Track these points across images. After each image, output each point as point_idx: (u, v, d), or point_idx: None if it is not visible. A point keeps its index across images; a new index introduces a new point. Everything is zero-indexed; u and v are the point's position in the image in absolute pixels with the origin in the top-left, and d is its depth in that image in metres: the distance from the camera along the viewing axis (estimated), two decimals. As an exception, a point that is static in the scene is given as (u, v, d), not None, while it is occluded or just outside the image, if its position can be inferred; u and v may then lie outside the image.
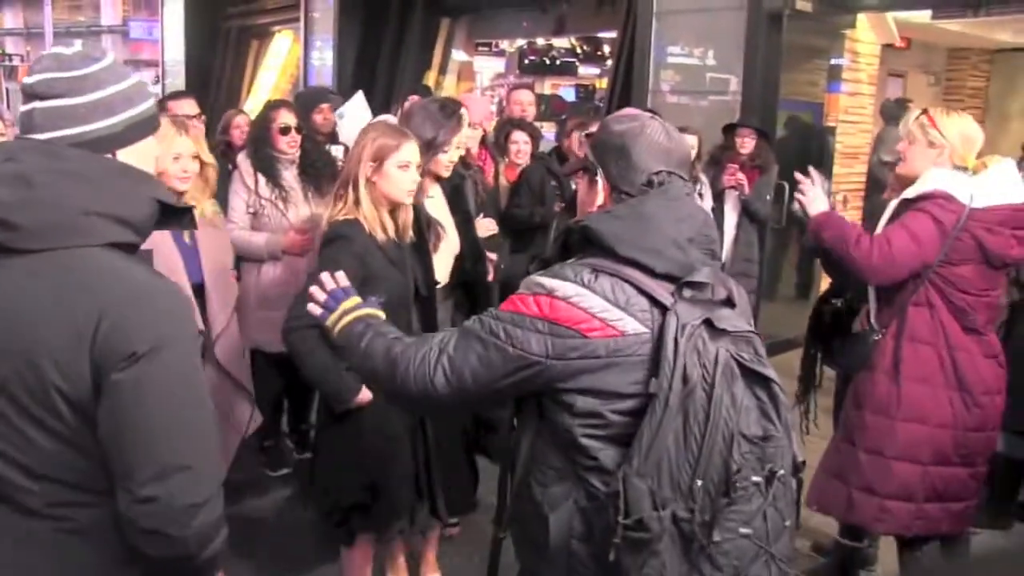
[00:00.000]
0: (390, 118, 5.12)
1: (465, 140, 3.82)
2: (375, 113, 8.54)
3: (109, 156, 1.71)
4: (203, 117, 4.53)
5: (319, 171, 4.55)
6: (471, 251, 3.67)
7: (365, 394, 3.03)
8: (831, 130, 7.32)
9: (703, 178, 5.91)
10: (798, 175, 3.54)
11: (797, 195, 3.51)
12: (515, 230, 5.35)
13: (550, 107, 11.81)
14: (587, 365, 1.77)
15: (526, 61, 12.78)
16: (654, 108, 6.99)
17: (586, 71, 12.83)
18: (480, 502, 3.67)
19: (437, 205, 3.56)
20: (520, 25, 11.55)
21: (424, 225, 3.31)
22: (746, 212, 6.11)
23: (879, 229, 3.33)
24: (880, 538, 3.88)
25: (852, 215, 7.59)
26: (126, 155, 1.73)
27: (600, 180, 1.99)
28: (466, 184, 3.96)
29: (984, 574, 1.14)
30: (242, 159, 4.52)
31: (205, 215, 3.47)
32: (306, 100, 5.57)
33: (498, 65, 13.14)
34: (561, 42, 12.26)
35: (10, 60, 43.84)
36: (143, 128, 1.76)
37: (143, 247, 1.77)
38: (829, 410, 3.93)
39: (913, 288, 3.24)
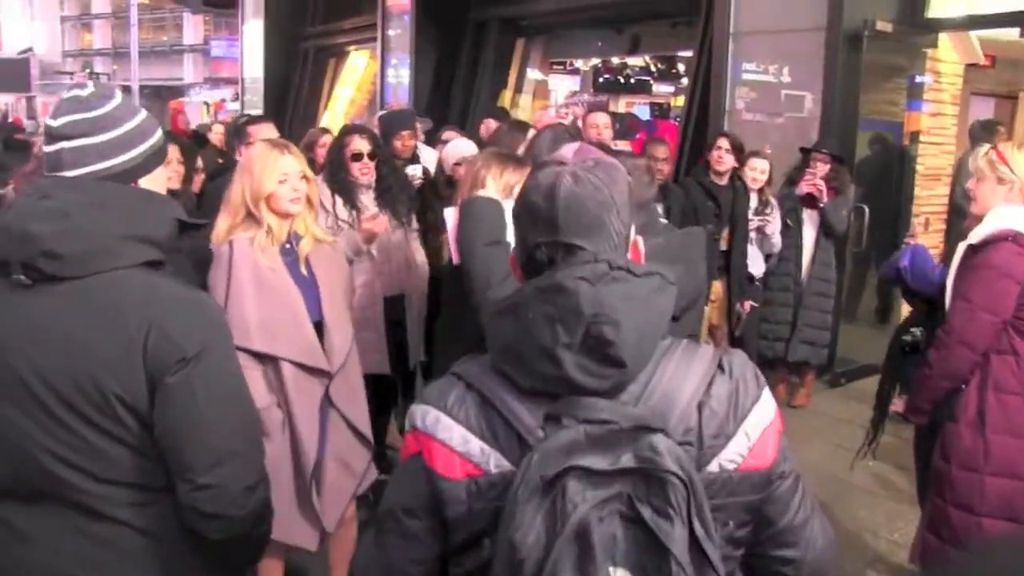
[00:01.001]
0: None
1: None
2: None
3: (132, 185, 1.90)
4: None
5: (395, 196, 4.61)
6: None
7: None
8: (912, 151, 7.19)
9: (773, 202, 5.89)
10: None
11: None
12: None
13: (624, 126, 11.84)
14: (452, 513, 1.45)
15: (600, 79, 12.84)
16: (731, 128, 6.99)
17: (660, 89, 12.84)
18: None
19: None
20: (595, 44, 11.61)
21: None
22: (824, 229, 6.04)
23: (951, 274, 3.25)
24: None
25: (933, 238, 7.44)
26: (145, 182, 1.93)
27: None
28: None
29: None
30: (320, 182, 4.61)
31: (317, 236, 3.30)
32: (387, 125, 5.63)
33: (573, 83, 13.20)
34: (635, 60, 12.27)
35: (98, 79, 45.28)
36: (158, 157, 1.97)
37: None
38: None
39: (996, 336, 3.13)
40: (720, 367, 1.46)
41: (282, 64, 15.35)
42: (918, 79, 7.09)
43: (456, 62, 11.37)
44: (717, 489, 1.42)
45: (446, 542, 1.48)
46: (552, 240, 1.45)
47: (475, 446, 1.42)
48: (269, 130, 4.59)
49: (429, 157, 5.63)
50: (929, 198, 7.43)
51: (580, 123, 6.32)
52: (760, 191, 5.87)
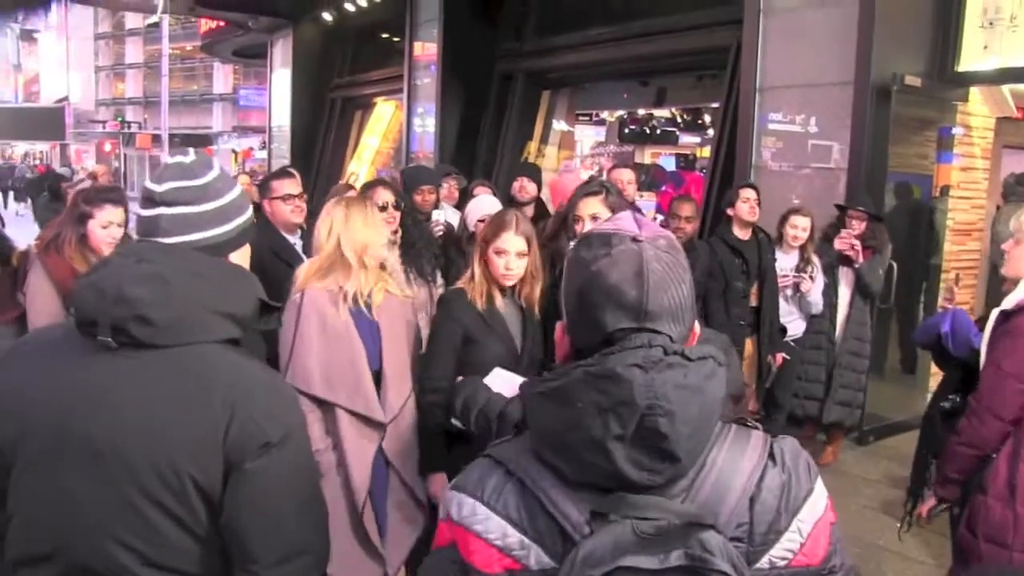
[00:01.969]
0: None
1: None
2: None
3: (224, 259, 1.84)
4: (304, 196, 4.63)
5: (419, 252, 4.58)
6: None
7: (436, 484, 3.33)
8: (942, 205, 7.11)
9: (815, 260, 5.79)
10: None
11: None
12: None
13: (650, 177, 11.84)
14: None
15: (626, 130, 12.86)
16: (757, 180, 6.95)
17: (686, 140, 12.84)
18: None
19: None
20: (620, 97, 11.67)
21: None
22: (859, 287, 5.95)
23: (984, 339, 3.17)
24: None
25: (964, 294, 7.33)
26: (235, 257, 1.89)
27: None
28: None
29: None
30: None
31: (389, 288, 3.40)
32: (409, 179, 5.60)
33: (598, 134, 13.24)
34: (661, 111, 12.29)
35: (129, 127, 46.28)
36: (248, 233, 1.91)
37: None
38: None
39: (1014, 401, 3.03)
40: (772, 457, 1.37)
41: (309, 113, 15.60)
42: (948, 132, 7.03)
43: (482, 112, 11.46)
44: None
45: None
46: (639, 327, 1.32)
47: (515, 539, 1.32)
48: (292, 185, 4.57)
49: (452, 216, 5.59)
50: (959, 253, 7.33)
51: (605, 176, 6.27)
52: (802, 248, 5.76)
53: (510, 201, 5.87)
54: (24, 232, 8.31)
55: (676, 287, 1.36)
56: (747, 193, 5.75)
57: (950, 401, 3.47)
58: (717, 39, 8.22)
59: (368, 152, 14.92)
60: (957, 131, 7.07)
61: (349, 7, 13.27)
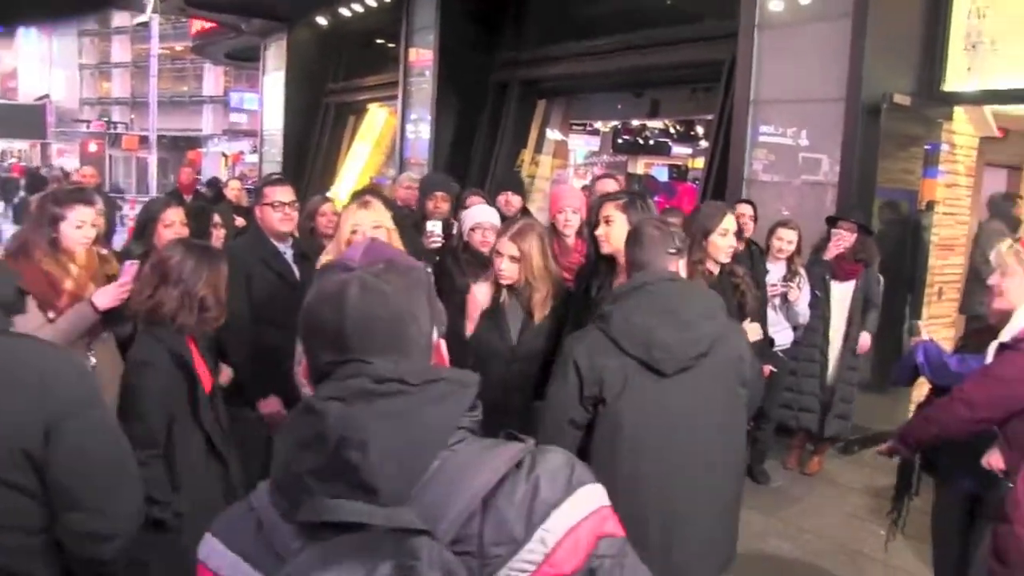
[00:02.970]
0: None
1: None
2: (471, 187, 8.79)
3: None
4: (296, 204, 4.59)
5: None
6: None
7: None
8: (927, 219, 7.30)
9: (802, 272, 5.86)
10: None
11: None
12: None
13: (643, 187, 11.98)
14: None
15: (620, 140, 12.94)
16: (748, 192, 7.14)
17: (679, 150, 12.94)
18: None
19: None
20: (615, 107, 11.76)
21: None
22: (862, 303, 6.08)
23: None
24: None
25: (947, 307, 7.53)
26: None
27: None
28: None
29: None
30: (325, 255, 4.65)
31: None
32: (424, 184, 5.64)
33: (592, 144, 13.33)
34: (654, 122, 12.41)
35: (115, 128, 45.84)
36: None
37: None
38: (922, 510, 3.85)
39: (1005, 413, 3.05)
40: (519, 466, 1.29)
41: (302, 118, 15.57)
42: (934, 149, 7.22)
43: (477, 120, 11.54)
44: None
45: None
46: (344, 359, 1.31)
47: (243, 571, 1.31)
48: (286, 193, 4.48)
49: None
50: (943, 268, 7.51)
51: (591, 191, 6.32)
52: (789, 260, 5.84)
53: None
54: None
55: (392, 314, 1.33)
56: (741, 208, 5.88)
57: None
58: (712, 52, 8.38)
59: (361, 158, 14.96)
60: (942, 147, 7.26)
61: (344, 12, 13.29)
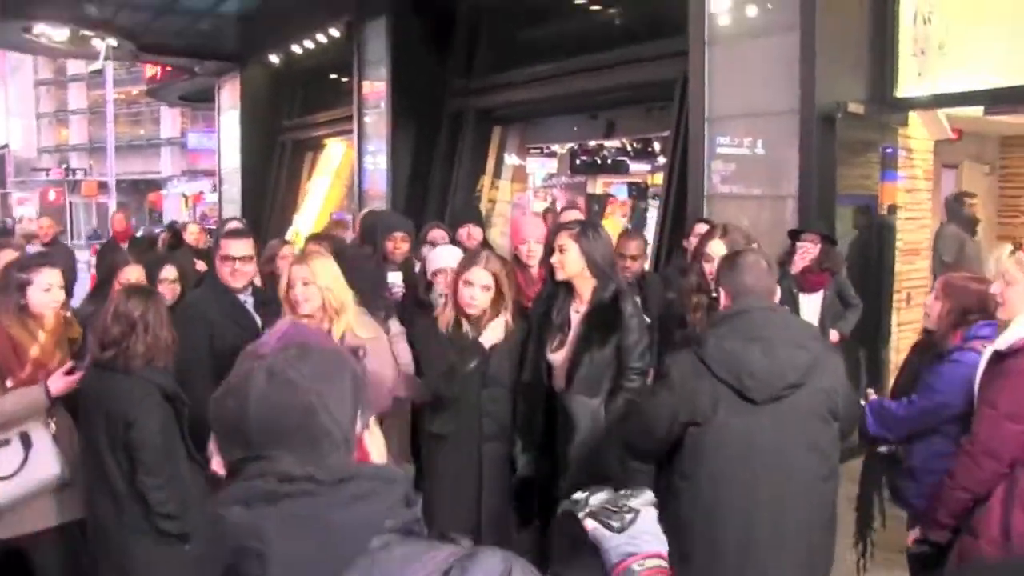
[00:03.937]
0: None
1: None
2: (430, 218, 8.73)
3: None
4: (251, 258, 4.43)
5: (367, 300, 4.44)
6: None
7: None
8: (890, 224, 7.28)
9: None
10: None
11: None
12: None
13: (603, 206, 11.97)
14: None
15: (577, 161, 12.96)
16: (709, 208, 7.10)
17: (637, 168, 12.95)
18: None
19: None
20: (571, 129, 11.77)
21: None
22: (840, 302, 6.04)
23: (977, 380, 3.06)
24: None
25: (915, 312, 7.48)
26: None
27: None
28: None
29: None
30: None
31: (356, 334, 3.67)
32: (383, 223, 5.53)
33: (550, 166, 13.33)
34: (611, 141, 12.41)
35: (74, 174, 45.53)
36: None
37: None
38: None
39: (1012, 443, 2.89)
40: (446, 574, 1.07)
41: (259, 156, 15.53)
42: (890, 153, 7.22)
43: (433, 148, 11.52)
44: None
45: None
46: (250, 456, 1.20)
47: None
48: (244, 247, 4.35)
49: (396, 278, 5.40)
50: (910, 273, 7.49)
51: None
52: None
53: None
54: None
55: (302, 405, 1.21)
56: (699, 228, 5.83)
57: (889, 446, 3.47)
58: (664, 71, 8.36)
59: (320, 194, 14.90)
60: (898, 151, 7.26)
61: (296, 49, 13.30)
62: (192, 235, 9.80)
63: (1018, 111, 6.77)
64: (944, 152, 8.21)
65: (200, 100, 19.64)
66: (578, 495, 1.66)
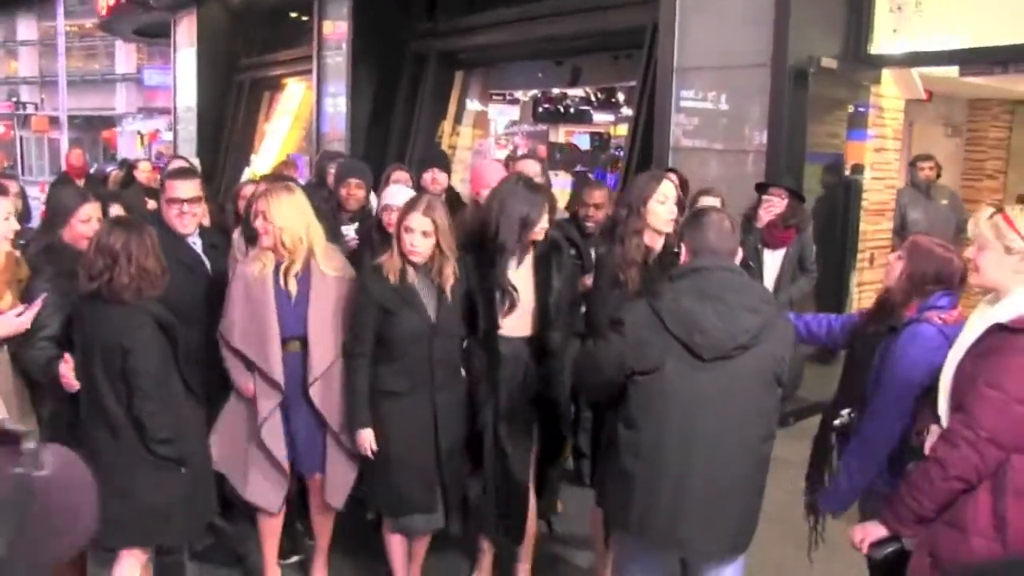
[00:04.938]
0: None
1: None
2: (391, 161, 8.54)
3: None
4: (200, 201, 4.21)
5: None
6: (542, 316, 3.94)
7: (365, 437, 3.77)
8: (856, 184, 7.18)
9: None
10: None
11: None
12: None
13: (565, 155, 11.80)
14: None
15: (540, 109, 12.77)
16: (675, 161, 6.95)
17: (601, 118, 12.76)
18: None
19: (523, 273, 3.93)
20: (535, 76, 11.58)
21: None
22: (800, 267, 6.02)
23: (955, 355, 2.80)
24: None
25: (878, 273, 7.42)
26: None
27: None
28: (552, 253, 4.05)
29: None
30: (236, 235, 4.39)
31: (322, 268, 3.83)
32: (340, 169, 5.39)
33: (512, 113, 13.12)
34: (575, 90, 12.21)
35: (24, 108, 44.36)
36: None
37: None
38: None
39: (1019, 430, 2.60)
40: None
41: (217, 95, 15.20)
42: (860, 111, 7.11)
43: (395, 92, 11.31)
44: None
45: None
46: None
47: None
48: (186, 188, 4.17)
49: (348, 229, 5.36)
50: (874, 233, 7.42)
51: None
52: None
53: (421, 192, 5.69)
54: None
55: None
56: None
57: (841, 418, 3.32)
58: (633, 18, 8.18)
59: (278, 135, 14.60)
60: (867, 109, 7.14)
61: (255, -16, 12.93)
62: (144, 173, 9.61)
63: (994, 72, 6.65)
64: (912, 112, 8.12)
65: (156, 35, 19.09)
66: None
